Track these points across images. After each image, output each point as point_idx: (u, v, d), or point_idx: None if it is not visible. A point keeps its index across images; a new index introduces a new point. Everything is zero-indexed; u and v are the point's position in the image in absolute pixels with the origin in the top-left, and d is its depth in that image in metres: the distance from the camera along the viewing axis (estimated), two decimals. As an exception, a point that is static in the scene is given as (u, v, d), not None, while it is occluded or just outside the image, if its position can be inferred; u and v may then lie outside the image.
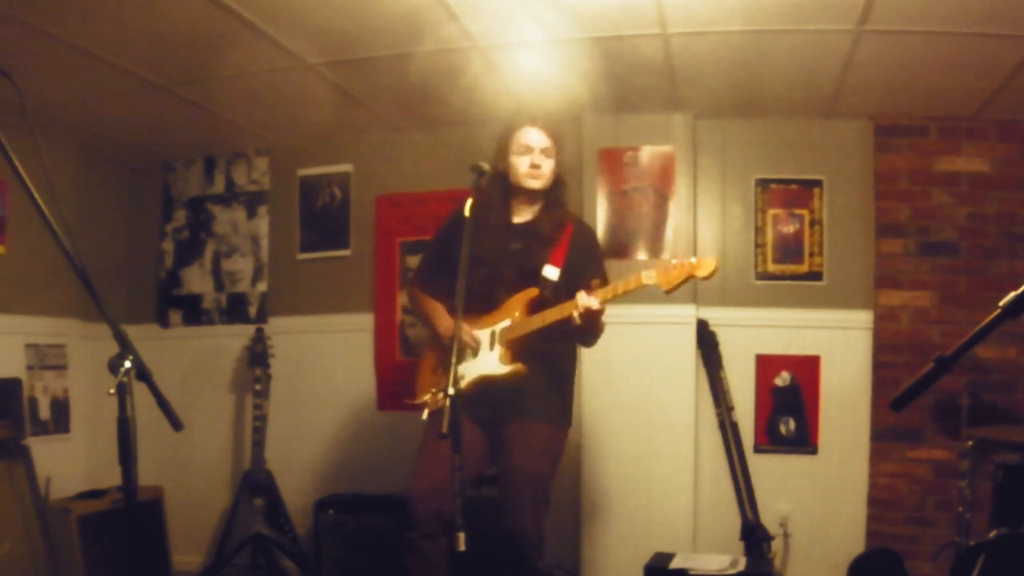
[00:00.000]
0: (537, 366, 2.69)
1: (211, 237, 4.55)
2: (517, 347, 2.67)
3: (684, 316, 3.83)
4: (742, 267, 3.94)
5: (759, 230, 3.95)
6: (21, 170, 1.64)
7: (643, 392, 3.81)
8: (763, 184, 3.95)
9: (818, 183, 3.91)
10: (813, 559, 3.77)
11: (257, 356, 4.12)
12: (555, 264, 2.73)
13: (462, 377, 2.49)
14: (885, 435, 3.72)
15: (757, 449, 3.87)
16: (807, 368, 3.84)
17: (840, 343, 3.82)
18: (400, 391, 3.48)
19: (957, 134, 3.75)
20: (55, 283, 3.88)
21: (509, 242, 2.77)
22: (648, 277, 2.51)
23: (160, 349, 4.46)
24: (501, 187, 2.79)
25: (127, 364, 1.64)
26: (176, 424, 1.77)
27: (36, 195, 1.65)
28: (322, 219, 4.41)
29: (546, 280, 2.71)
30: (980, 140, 3.74)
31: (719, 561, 3.24)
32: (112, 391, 1.62)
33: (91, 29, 2.96)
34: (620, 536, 3.78)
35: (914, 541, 3.62)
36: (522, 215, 2.84)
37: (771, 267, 3.93)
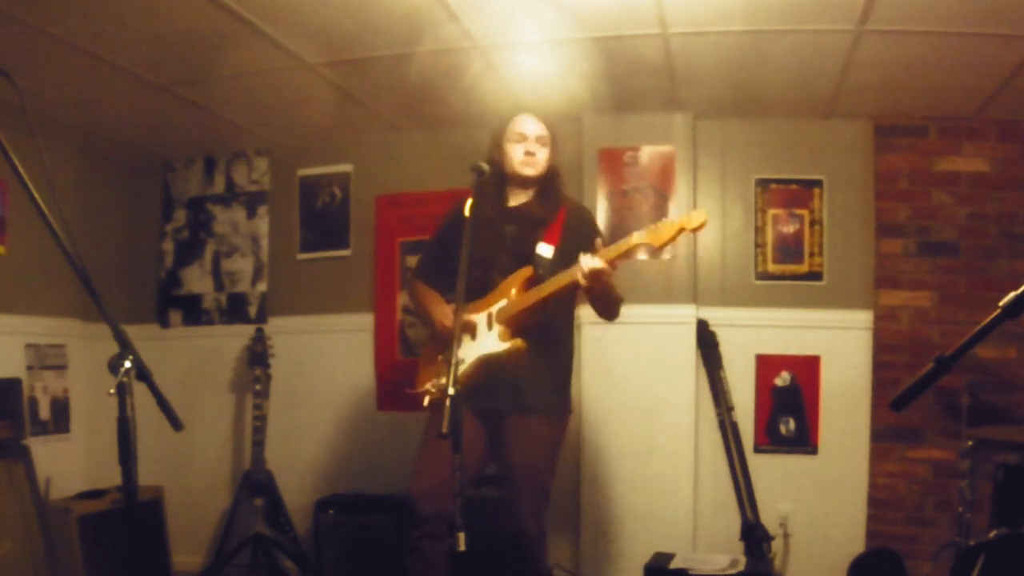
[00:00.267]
0: (537, 355, 2.68)
1: (211, 237, 4.55)
2: (516, 324, 2.66)
3: (684, 316, 3.83)
4: (742, 267, 3.94)
5: (759, 230, 3.95)
6: (21, 170, 1.64)
7: (643, 392, 3.81)
8: (763, 184, 3.95)
9: (818, 183, 3.91)
10: (813, 559, 3.77)
11: (257, 356, 4.13)
12: (549, 242, 2.72)
13: (462, 361, 2.50)
14: (885, 435, 3.72)
15: (757, 449, 3.87)
16: (807, 368, 3.84)
17: (840, 343, 3.82)
18: (400, 391, 3.47)
19: (957, 134, 3.75)
20: (55, 283, 3.88)
21: (504, 226, 2.77)
22: (639, 237, 2.49)
23: (160, 349, 4.46)
24: (496, 175, 2.79)
25: (127, 364, 1.64)
26: (176, 424, 1.77)
27: (36, 195, 1.65)
28: (322, 219, 4.41)
29: (540, 258, 2.71)
30: (980, 140, 3.74)
31: (719, 561, 3.24)
32: (112, 391, 1.62)
33: (91, 29, 2.96)
34: (620, 536, 3.78)
35: (914, 541, 3.62)
36: (517, 200, 2.84)
37: (771, 267, 3.93)
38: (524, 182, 2.80)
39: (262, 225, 4.48)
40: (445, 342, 2.69)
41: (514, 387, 2.68)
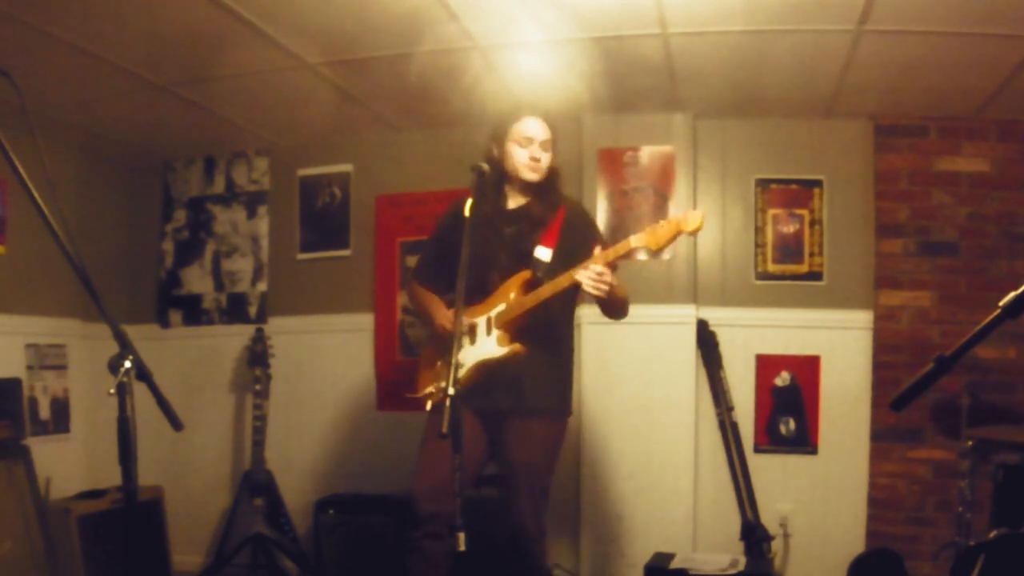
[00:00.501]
0: (535, 356, 2.68)
1: (211, 237, 4.55)
2: (514, 328, 2.66)
3: (684, 316, 3.83)
4: (742, 267, 3.94)
5: (759, 230, 3.95)
6: (21, 170, 1.64)
7: (643, 392, 3.81)
8: (763, 184, 3.95)
9: (818, 183, 3.91)
10: (813, 559, 3.77)
11: (257, 356, 4.13)
12: (547, 245, 2.72)
13: (461, 365, 2.50)
14: (885, 435, 3.72)
15: (757, 449, 3.86)
16: (807, 368, 3.84)
17: (840, 343, 3.82)
18: (400, 391, 3.48)
19: (957, 134, 3.75)
20: (55, 283, 3.88)
21: (503, 228, 2.77)
22: (637, 240, 2.50)
23: (160, 349, 4.46)
24: (496, 174, 2.78)
25: (127, 364, 1.64)
26: (176, 424, 1.77)
27: (36, 195, 1.65)
28: (322, 219, 4.41)
29: (538, 261, 2.70)
30: (980, 140, 3.74)
31: (719, 561, 3.24)
32: (112, 391, 1.62)
33: (91, 29, 2.96)
34: (620, 536, 3.77)
35: (914, 541, 3.62)
36: (516, 201, 2.84)
37: (771, 267, 3.93)
38: (525, 185, 2.80)
39: (262, 225, 4.48)
40: (445, 344, 2.69)
41: (514, 387, 2.68)
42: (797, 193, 3.93)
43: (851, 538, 3.71)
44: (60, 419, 4.10)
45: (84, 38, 3.02)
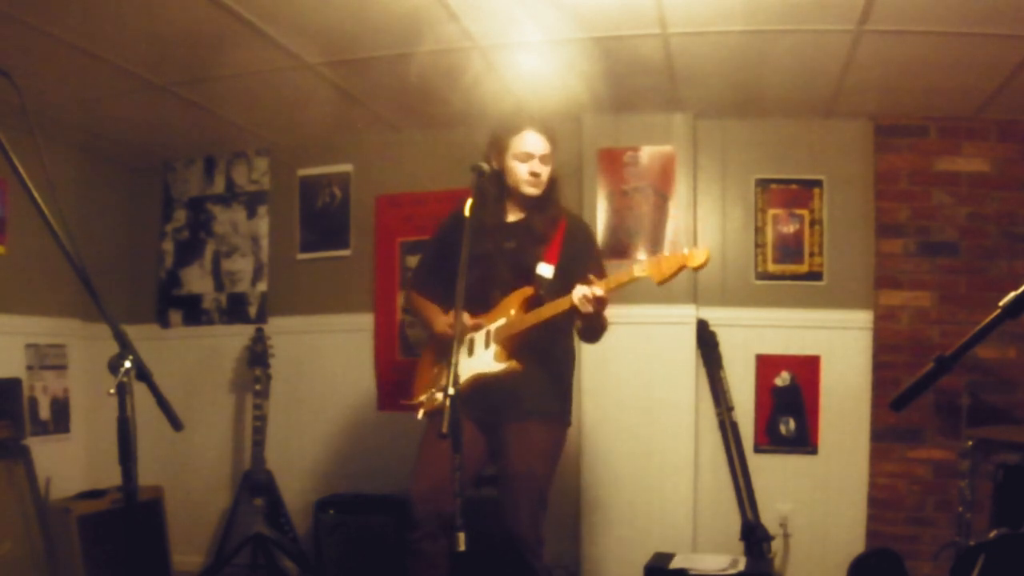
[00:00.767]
0: (535, 364, 2.68)
1: (211, 237, 4.55)
2: (512, 345, 2.66)
3: (684, 316, 3.83)
4: (742, 267, 3.94)
5: (759, 230, 3.95)
6: (21, 170, 1.64)
7: (643, 392, 3.81)
8: (763, 184, 3.95)
9: (818, 183, 3.91)
10: (813, 559, 3.77)
11: (257, 356, 4.13)
12: (549, 262, 2.72)
13: (458, 376, 2.50)
14: (885, 435, 3.72)
15: (757, 449, 3.87)
16: (807, 368, 3.84)
17: (840, 343, 3.82)
18: (400, 391, 3.48)
19: (957, 134, 3.75)
20: (55, 283, 3.88)
21: (503, 241, 2.77)
22: (640, 270, 2.50)
23: (160, 349, 4.46)
24: (496, 187, 2.77)
25: (127, 364, 1.64)
26: (176, 424, 1.77)
27: (36, 195, 1.65)
28: (322, 219, 4.41)
29: (541, 278, 2.70)
30: (980, 140, 3.74)
31: (719, 561, 3.24)
32: (112, 391, 1.62)
33: (91, 29, 2.96)
34: (620, 536, 3.78)
35: (914, 541, 3.62)
36: (516, 214, 2.84)
37: (771, 267, 3.93)
38: (525, 198, 2.80)
39: (262, 225, 4.48)
40: (443, 350, 2.69)
41: (513, 395, 2.68)
42: (797, 193, 3.93)
43: (851, 538, 3.71)
44: (60, 419, 4.10)
45: (84, 38, 3.02)
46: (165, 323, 4.59)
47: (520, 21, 2.98)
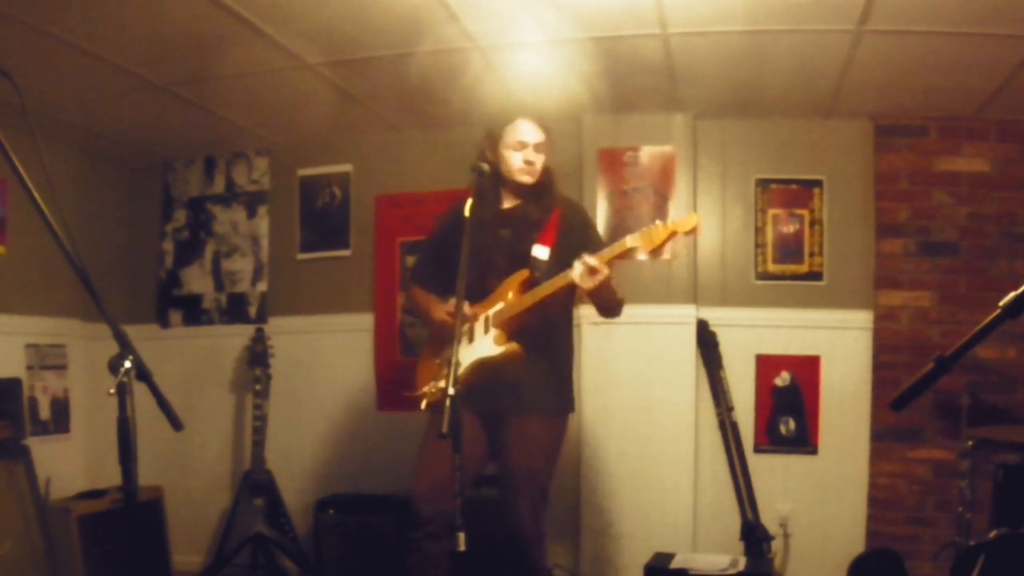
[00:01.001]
0: (534, 356, 2.68)
1: (211, 237, 4.55)
2: (511, 328, 2.65)
3: (684, 316, 3.83)
4: (742, 267, 3.94)
5: (759, 230, 3.95)
6: (21, 170, 1.64)
7: (643, 392, 3.81)
8: (763, 184, 3.95)
9: (818, 183, 3.91)
10: (813, 559, 3.77)
11: (257, 356, 4.13)
12: (545, 244, 2.72)
13: (460, 364, 2.50)
14: (885, 435, 3.72)
15: (757, 449, 3.87)
16: (807, 368, 3.84)
17: (840, 343, 3.82)
18: (400, 391, 3.48)
19: (957, 134, 3.75)
20: (55, 283, 3.88)
21: (499, 229, 2.77)
22: (632, 240, 2.50)
23: (160, 349, 4.46)
24: (492, 178, 2.78)
25: (127, 364, 1.64)
26: (176, 424, 1.77)
27: (36, 195, 1.65)
28: (322, 219, 4.41)
29: (536, 260, 2.70)
30: (980, 140, 3.74)
31: (719, 561, 3.24)
32: (112, 391, 1.62)
33: (91, 29, 2.96)
34: (620, 536, 3.78)
35: (914, 541, 3.62)
36: (511, 203, 2.84)
37: (771, 267, 3.93)
38: (520, 187, 2.80)
39: (262, 225, 4.48)
40: (444, 342, 2.69)
41: (513, 388, 2.68)
42: (797, 193, 3.93)
43: (851, 538, 3.71)
44: (60, 419, 4.10)
45: (84, 38, 3.02)
46: (165, 323, 4.59)
47: (520, 21, 2.98)
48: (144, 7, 2.81)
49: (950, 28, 2.90)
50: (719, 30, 3.03)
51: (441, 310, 2.78)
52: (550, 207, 2.79)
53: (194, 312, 4.54)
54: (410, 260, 4.17)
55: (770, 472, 3.82)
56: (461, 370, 2.58)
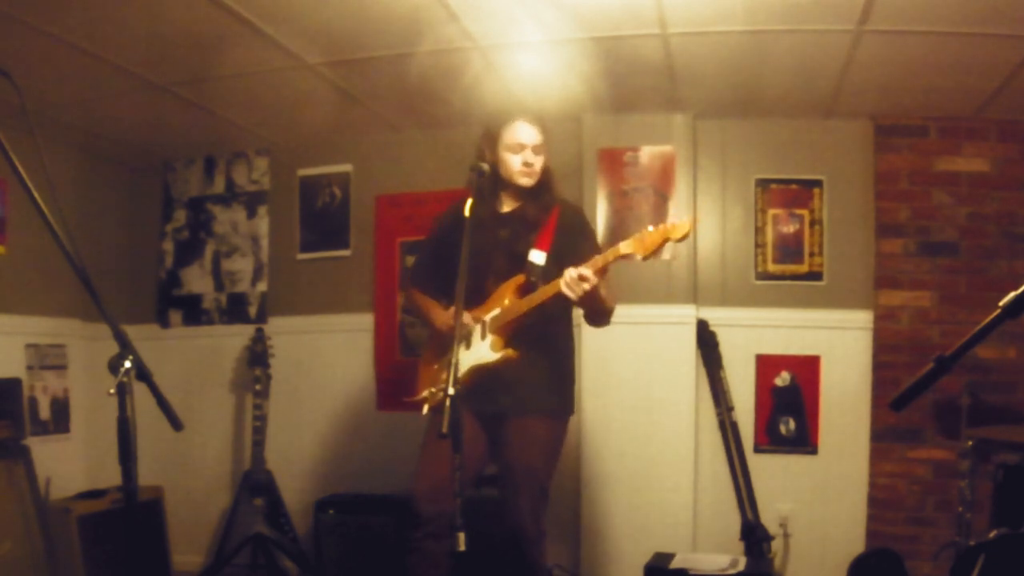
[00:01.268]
0: (534, 356, 2.68)
1: (211, 237, 4.55)
2: (508, 333, 2.66)
3: (684, 316, 3.83)
4: (742, 267, 3.94)
5: (759, 230, 3.95)
6: (21, 170, 1.64)
7: (643, 392, 3.81)
8: (763, 184, 3.95)
9: (818, 183, 3.91)
10: (813, 559, 3.77)
11: (257, 356, 4.13)
12: (541, 248, 2.72)
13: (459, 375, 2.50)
14: (885, 435, 3.72)
15: (757, 449, 3.87)
16: (807, 368, 3.84)
17: (840, 343, 3.82)
18: (400, 391, 3.48)
19: (957, 134, 3.75)
20: (55, 283, 3.88)
21: (497, 231, 2.77)
22: (626, 246, 2.50)
23: (160, 349, 4.46)
24: (491, 179, 2.77)
25: (127, 364, 1.64)
26: (176, 424, 1.77)
27: (36, 195, 1.65)
28: (322, 219, 4.41)
29: (533, 265, 2.70)
30: (980, 140, 3.74)
31: (719, 561, 3.24)
32: (112, 391, 1.62)
33: (91, 29, 2.96)
34: (620, 536, 3.78)
35: (914, 541, 3.62)
36: (510, 204, 2.84)
37: (771, 267, 3.93)
38: (519, 189, 2.80)
39: (262, 225, 4.48)
40: (444, 346, 2.69)
41: (513, 388, 2.68)
42: (797, 193, 3.93)
43: (851, 538, 3.71)
44: (60, 419, 4.10)
45: (84, 38, 3.02)
46: (165, 323, 4.59)
47: (520, 21, 2.98)
48: (144, 7, 2.81)
49: (950, 28, 2.90)
50: (719, 30, 3.03)
51: (442, 318, 2.78)
52: (548, 207, 2.79)
53: (194, 312, 4.54)
54: (410, 260, 4.17)
55: (770, 472, 3.82)
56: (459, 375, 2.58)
